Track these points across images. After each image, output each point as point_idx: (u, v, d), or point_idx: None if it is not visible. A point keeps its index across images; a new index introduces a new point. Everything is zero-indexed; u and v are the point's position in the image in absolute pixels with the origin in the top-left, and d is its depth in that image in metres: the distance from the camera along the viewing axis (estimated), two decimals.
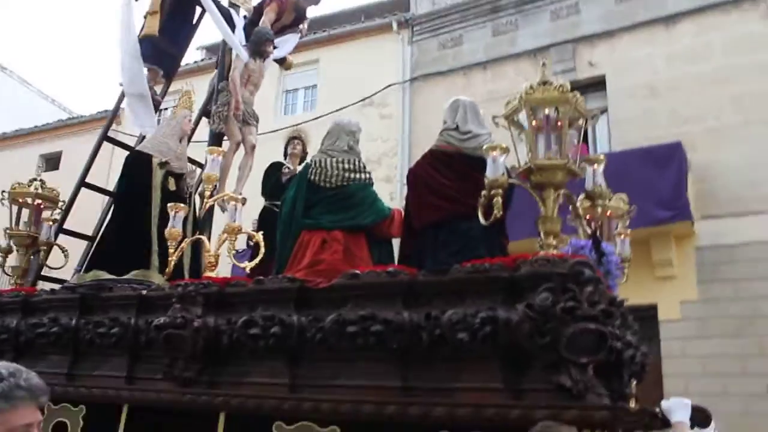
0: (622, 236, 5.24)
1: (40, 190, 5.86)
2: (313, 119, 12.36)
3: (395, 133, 13.39)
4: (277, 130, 10.51)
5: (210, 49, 16.70)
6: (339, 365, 3.53)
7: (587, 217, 4.96)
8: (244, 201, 4.37)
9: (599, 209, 3.77)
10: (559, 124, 3.42)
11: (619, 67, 11.64)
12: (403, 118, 13.48)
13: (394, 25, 14.24)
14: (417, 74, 13.78)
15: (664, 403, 3.82)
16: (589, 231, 4.12)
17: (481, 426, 3.00)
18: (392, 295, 3.43)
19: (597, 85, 11.70)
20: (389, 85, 13.76)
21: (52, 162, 18.06)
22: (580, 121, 3.54)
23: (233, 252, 4.27)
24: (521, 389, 3.07)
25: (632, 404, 4.46)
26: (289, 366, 3.68)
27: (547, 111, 3.42)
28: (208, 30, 7.43)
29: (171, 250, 4.52)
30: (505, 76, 12.45)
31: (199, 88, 6.32)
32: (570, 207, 3.72)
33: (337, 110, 12.57)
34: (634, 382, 4.56)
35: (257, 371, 3.79)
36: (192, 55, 16.89)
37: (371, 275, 3.53)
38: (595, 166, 3.59)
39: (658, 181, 9.32)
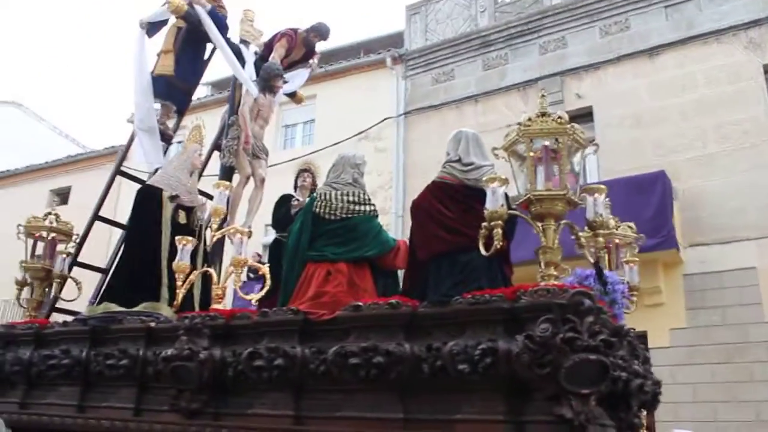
0: (631, 264, 5.22)
1: (54, 224, 5.95)
2: (311, 153, 12.49)
3: (390, 166, 13.58)
4: (275, 165, 10.61)
5: (216, 86, 17.07)
6: (342, 396, 3.55)
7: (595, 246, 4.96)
8: (249, 234, 4.42)
9: (601, 239, 3.76)
10: (558, 154, 3.45)
11: (606, 99, 11.91)
12: (397, 152, 13.71)
13: (389, 61, 14.52)
14: (410, 108, 14.10)
15: None
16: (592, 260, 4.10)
17: None
18: (394, 327, 3.46)
19: (584, 116, 11.86)
20: (384, 119, 14.01)
21: (61, 196, 18.29)
22: (580, 151, 3.57)
23: (239, 284, 4.31)
24: (522, 421, 3.07)
25: None
26: (293, 397, 3.71)
27: (546, 142, 3.46)
28: (216, 67, 7.51)
29: (179, 283, 4.57)
30: (495, 109, 12.80)
31: (208, 122, 6.40)
32: (573, 236, 3.72)
33: (333, 144, 12.84)
34: (644, 413, 4.52)
35: (262, 403, 3.83)
36: (198, 91, 17.17)
37: (373, 307, 3.55)
38: (596, 195, 3.60)
39: (643, 210, 9.34)
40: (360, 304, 3.61)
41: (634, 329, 4.29)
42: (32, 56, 49.53)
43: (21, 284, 5.85)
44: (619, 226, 5.46)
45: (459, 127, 4.74)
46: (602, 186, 3.69)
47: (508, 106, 12.41)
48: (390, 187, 13.31)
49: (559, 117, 3.47)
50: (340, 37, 17.88)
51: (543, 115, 3.50)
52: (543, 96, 3.69)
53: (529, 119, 3.49)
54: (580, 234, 3.70)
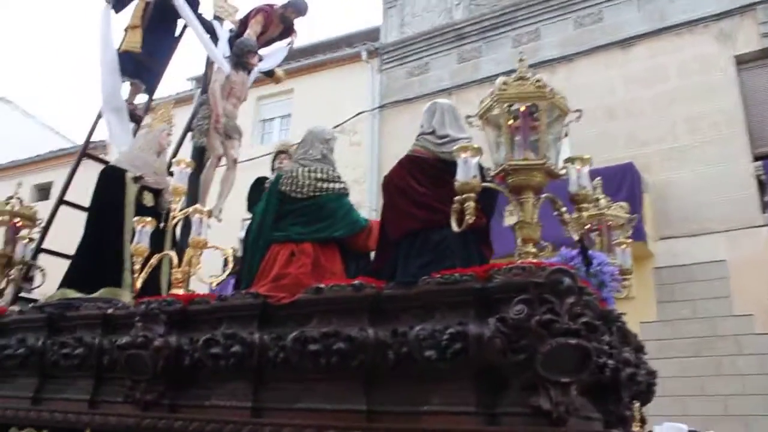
0: (623, 246, 4.94)
1: (16, 208, 5.68)
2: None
3: (365, 160, 13.46)
4: (252, 159, 10.77)
5: (199, 80, 16.70)
6: (302, 386, 3.28)
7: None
8: (209, 214, 4.13)
9: (585, 213, 3.45)
10: (537, 121, 3.16)
11: (578, 91, 11.64)
12: (372, 145, 13.61)
13: (364, 55, 14.39)
14: (385, 102, 14.01)
15: (657, 429, 3.49)
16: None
17: None
18: (358, 311, 3.17)
19: None
20: (359, 113, 13.88)
21: (43, 192, 18.18)
22: (561, 119, 3.27)
23: (198, 267, 4.02)
24: (496, 413, 2.78)
25: (635, 428, 4.13)
26: (251, 387, 3.43)
27: (523, 108, 3.16)
28: (199, 61, 7.14)
29: (137, 267, 4.29)
30: (468, 101, 12.33)
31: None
32: (555, 212, 3.41)
33: None
34: (638, 404, 4.21)
35: (219, 393, 3.56)
36: (181, 86, 16.91)
37: (335, 289, 3.26)
38: (579, 166, 3.30)
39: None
40: (322, 286, 3.32)
41: (624, 314, 4.00)
42: (21, 52, 49.13)
43: None
44: (610, 207, 5.18)
45: None
46: (586, 156, 3.37)
47: (481, 99, 12.19)
48: (364, 181, 13.15)
49: (538, 80, 3.17)
50: (321, 33, 17.68)
51: (520, 78, 3.19)
52: (521, 60, 3.37)
53: (505, 83, 3.19)
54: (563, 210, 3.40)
